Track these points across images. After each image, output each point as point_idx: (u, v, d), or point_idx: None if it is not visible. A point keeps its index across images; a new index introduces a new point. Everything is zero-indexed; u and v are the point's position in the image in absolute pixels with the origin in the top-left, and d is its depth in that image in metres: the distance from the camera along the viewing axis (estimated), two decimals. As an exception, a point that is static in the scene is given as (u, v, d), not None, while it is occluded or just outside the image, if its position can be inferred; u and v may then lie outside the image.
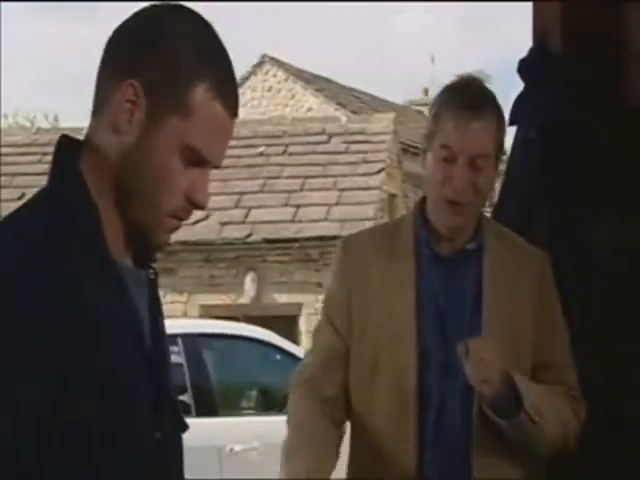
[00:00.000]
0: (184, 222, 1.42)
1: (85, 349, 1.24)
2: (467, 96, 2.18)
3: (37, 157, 12.92)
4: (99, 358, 1.25)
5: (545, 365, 2.21)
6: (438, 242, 2.21)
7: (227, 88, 1.36)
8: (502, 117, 2.22)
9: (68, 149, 1.37)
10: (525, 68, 2.71)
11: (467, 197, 2.14)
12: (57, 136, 1.42)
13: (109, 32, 1.38)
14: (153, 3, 1.40)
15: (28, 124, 26.47)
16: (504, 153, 2.26)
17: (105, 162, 1.34)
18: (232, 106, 1.36)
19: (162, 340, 1.41)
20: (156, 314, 1.42)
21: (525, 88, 2.71)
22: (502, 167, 2.47)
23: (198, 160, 1.35)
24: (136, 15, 1.37)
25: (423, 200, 2.26)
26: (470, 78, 2.24)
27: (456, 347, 2.08)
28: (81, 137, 1.39)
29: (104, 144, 1.34)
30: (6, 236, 1.29)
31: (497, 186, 2.45)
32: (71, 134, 1.41)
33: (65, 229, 1.29)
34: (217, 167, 1.38)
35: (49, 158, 1.40)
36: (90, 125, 1.37)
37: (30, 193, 1.39)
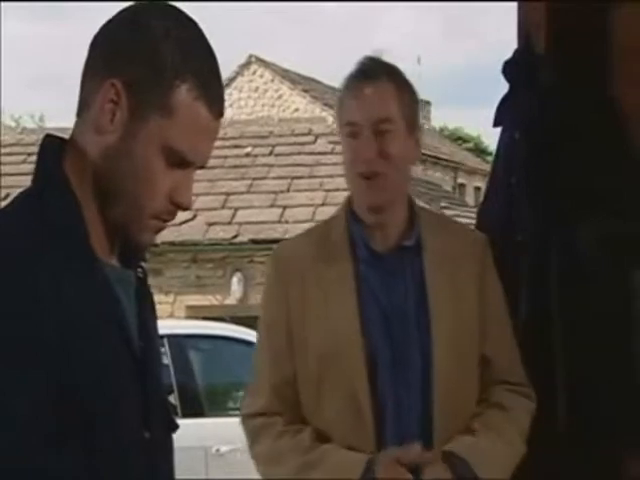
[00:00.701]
0: (170, 223, 1.41)
1: (68, 348, 1.23)
2: (362, 67, 2.15)
3: (22, 157, 12.87)
4: (82, 357, 1.25)
5: (487, 361, 2.16)
6: (372, 237, 2.13)
7: (211, 88, 1.34)
8: (408, 90, 2.16)
9: (52, 149, 1.36)
10: (510, 69, 2.71)
11: (378, 166, 2.07)
12: (43, 136, 1.41)
13: (94, 31, 1.38)
14: (139, 1, 1.39)
15: (13, 124, 26.37)
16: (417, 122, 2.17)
17: (88, 162, 1.33)
18: (217, 106, 1.35)
19: (153, 340, 1.40)
20: (146, 314, 1.41)
21: (510, 89, 2.71)
22: (486, 167, 2.47)
23: (181, 161, 1.33)
24: (119, 13, 1.36)
25: (349, 199, 2.18)
26: (367, 57, 2.19)
27: (403, 347, 2.05)
28: (67, 137, 1.39)
29: (87, 144, 1.34)
30: None
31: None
32: (57, 134, 1.40)
33: (48, 229, 1.29)
34: (202, 167, 1.37)
35: (34, 158, 1.40)
36: (75, 125, 1.37)
37: (15, 193, 1.38)
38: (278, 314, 2.15)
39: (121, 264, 1.39)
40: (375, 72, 2.12)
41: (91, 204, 1.33)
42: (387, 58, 2.20)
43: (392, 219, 2.14)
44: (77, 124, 1.36)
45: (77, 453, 1.23)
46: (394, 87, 2.12)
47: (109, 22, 1.36)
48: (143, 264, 1.43)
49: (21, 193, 1.35)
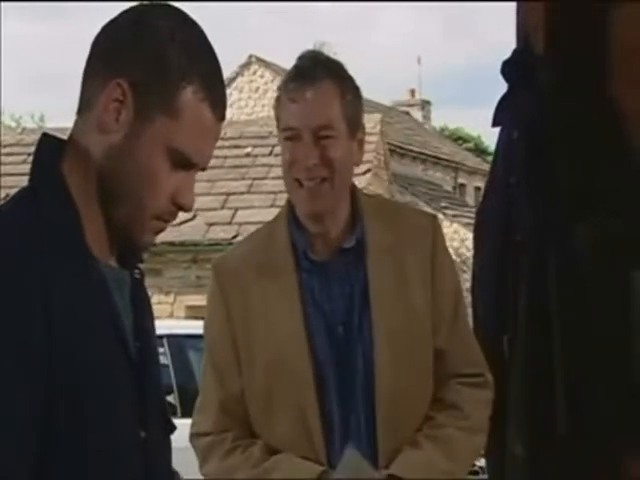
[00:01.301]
0: (172, 223, 1.40)
1: (62, 347, 1.23)
2: (300, 68, 2.06)
3: (22, 157, 12.88)
4: (76, 356, 1.24)
5: (440, 354, 2.10)
6: (314, 244, 2.07)
7: (216, 90, 1.34)
8: (349, 87, 2.07)
9: (49, 149, 1.35)
10: (509, 69, 2.71)
11: (318, 173, 2.01)
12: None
13: (94, 31, 1.37)
14: (142, 2, 1.40)
15: (14, 124, 26.38)
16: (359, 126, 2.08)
17: (90, 162, 1.33)
18: (220, 108, 1.35)
19: (149, 340, 1.40)
20: (143, 314, 1.40)
21: (508, 89, 2.72)
22: (486, 167, 2.46)
23: (185, 162, 1.33)
24: (122, 14, 1.36)
25: (290, 203, 2.13)
26: (309, 52, 2.10)
27: (347, 357, 2.00)
28: (65, 137, 1.39)
29: (89, 143, 1.33)
30: None
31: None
32: (57, 134, 1.40)
33: (43, 228, 1.28)
34: (204, 169, 1.37)
35: (35, 158, 1.40)
36: (75, 124, 1.36)
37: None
38: (221, 331, 2.11)
39: (119, 264, 1.38)
40: (314, 73, 2.03)
41: (93, 203, 1.33)
42: (327, 50, 2.10)
43: (333, 224, 2.07)
44: (77, 123, 1.36)
45: (71, 453, 1.23)
46: (335, 88, 2.03)
47: (112, 22, 1.36)
48: (140, 265, 1.43)
49: (17, 193, 1.34)
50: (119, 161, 1.32)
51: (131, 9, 1.36)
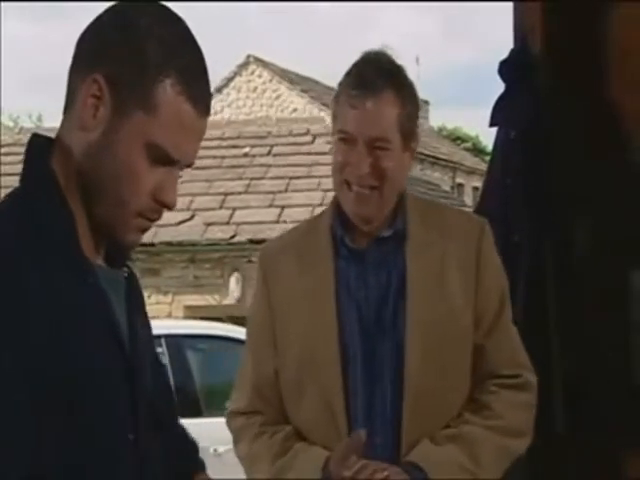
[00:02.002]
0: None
1: (58, 347, 1.23)
2: (363, 75, 2.04)
3: (20, 157, 12.82)
4: (72, 356, 1.24)
5: (481, 352, 2.08)
6: (354, 233, 2.09)
7: (196, 85, 1.32)
8: (409, 96, 2.07)
9: (39, 149, 1.35)
10: (506, 70, 2.72)
11: (369, 182, 2.02)
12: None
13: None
14: (128, 1, 1.39)
15: (11, 124, 26.38)
16: (415, 137, 2.08)
17: (72, 160, 1.32)
18: (202, 103, 1.32)
19: (141, 339, 1.39)
20: (135, 313, 1.40)
21: (506, 89, 2.72)
22: (484, 167, 2.45)
23: (164, 158, 1.31)
24: (105, 11, 1.35)
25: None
26: (372, 54, 2.09)
27: (377, 349, 2.00)
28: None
29: (72, 142, 1.32)
30: None
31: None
32: (55, 134, 1.40)
33: (37, 229, 1.28)
34: (188, 166, 1.35)
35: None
36: (61, 123, 1.35)
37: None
38: (262, 317, 2.15)
39: (107, 264, 1.38)
40: (377, 83, 2.03)
41: (77, 203, 1.32)
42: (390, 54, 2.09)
43: (379, 221, 2.09)
44: (63, 122, 1.35)
45: (67, 453, 1.23)
46: (395, 100, 2.03)
47: (95, 20, 1.35)
48: (129, 264, 1.42)
49: (10, 194, 1.34)
50: (98, 158, 1.30)
51: (113, 7, 1.35)
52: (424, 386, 2.03)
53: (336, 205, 2.13)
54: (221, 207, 12.65)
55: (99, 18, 1.35)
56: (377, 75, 2.05)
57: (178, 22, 1.34)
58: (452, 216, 2.18)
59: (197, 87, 1.32)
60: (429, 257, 2.08)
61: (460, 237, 2.11)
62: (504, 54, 2.76)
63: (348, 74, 2.08)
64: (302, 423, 2.10)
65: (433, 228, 2.11)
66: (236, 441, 2.20)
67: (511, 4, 2.83)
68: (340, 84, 2.09)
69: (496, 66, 2.74)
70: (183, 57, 1.32)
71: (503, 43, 2.87)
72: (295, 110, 23.85)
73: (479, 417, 2.07)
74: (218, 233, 12.27)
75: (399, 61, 2.10)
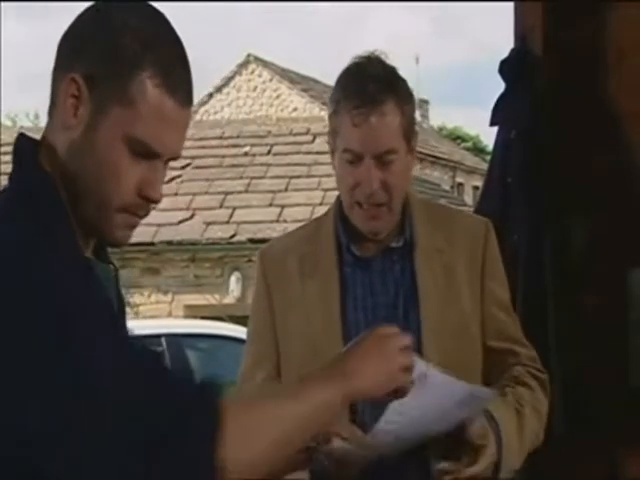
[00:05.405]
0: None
1: (69, 344, 1.22)
2: (361, 90, 1.99)
3: (21, 157, 12.85)
4: (85, 351, 1.23)
5: (510, 350, 2.08)
6: (359, 240, 2.07)
7: (174, 76, 1.31)
8: (405, 97, 2.02)
9: (28, 149, 1.35)
10: (506, 69, 2.72)
11: (379, 199, 2.00)
12: (39, 135, 1.40)
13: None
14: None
15: (10, 123, 26.38)
16: (414, 135, 2.04)
17: (57, 160, 1.32)
18: (181, 94, 1.32)
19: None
20: (123, 310, 1.42)
21: (506, 89, 2.72)
22: (485, 166, 2.45)
23: (147, 152, 1.31)
24: (85, 10, 1.35)
25: (340, 199, 2.10)
26: (364, 61, 2.03)
27: None
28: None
29: (56, 141, 1.33)
30: None
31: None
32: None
33: (40, 228, 1.28)
34: (173, 159, 1.34)
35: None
36: (46, 123, 1.36)
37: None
38: (262, 322, 2.12)
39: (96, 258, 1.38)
40: (377, 97, 1.98)
41: (65, 201, 1.32)
42: (391, 60, 2.05)
43: (388, 231, 2.07)
44: (47, 122, 1.36)
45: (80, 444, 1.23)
46: (396, 108, 1.99)
47: (75, 20, 1.35)
48: (113, 261, 1.42)
49: (6, 195, 1.33)
50: (80, 157, 1.31)
51: (92, 5, 1.36)
52: None
53: (339, 209, 2.11)
54: (221, 206, 12.66)
55: (78, 17, 1.35)
56: (376, 88, 2.00)
57: (156, 17, 1.34)
58: (457, 220, 2.16)
59: (175, 78, 1.32)
60: (438, 265, 2.06)
61: (467, 242, 2.10)
62: (505, 53, 2.76)
63: (345, 88, 2.02)
64: None
65: (440, 233, 2.10)
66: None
67: (511, 4, 2.83)
68: (337, 98, 2.03)
69: (496, 65, 2.75)
70: (160, 50, 1.31)
71: (504, 42, 2.88)
72: (295, 109, 23.86)
73: (530, 397, 2.06)
74: (218, 232, 12.28)
75: (389, 62, 2.06)
